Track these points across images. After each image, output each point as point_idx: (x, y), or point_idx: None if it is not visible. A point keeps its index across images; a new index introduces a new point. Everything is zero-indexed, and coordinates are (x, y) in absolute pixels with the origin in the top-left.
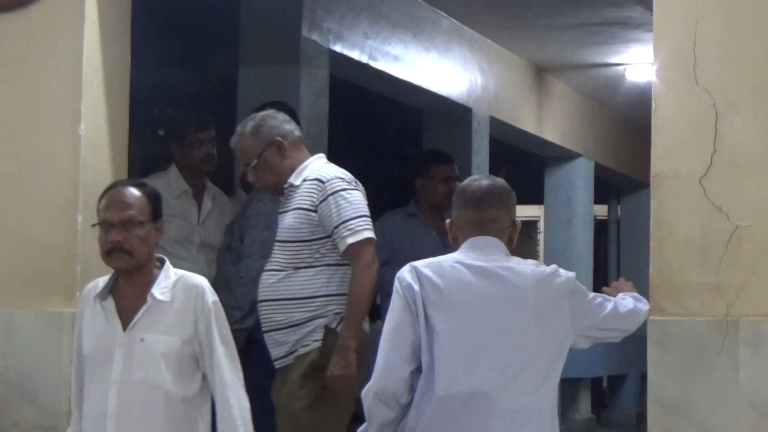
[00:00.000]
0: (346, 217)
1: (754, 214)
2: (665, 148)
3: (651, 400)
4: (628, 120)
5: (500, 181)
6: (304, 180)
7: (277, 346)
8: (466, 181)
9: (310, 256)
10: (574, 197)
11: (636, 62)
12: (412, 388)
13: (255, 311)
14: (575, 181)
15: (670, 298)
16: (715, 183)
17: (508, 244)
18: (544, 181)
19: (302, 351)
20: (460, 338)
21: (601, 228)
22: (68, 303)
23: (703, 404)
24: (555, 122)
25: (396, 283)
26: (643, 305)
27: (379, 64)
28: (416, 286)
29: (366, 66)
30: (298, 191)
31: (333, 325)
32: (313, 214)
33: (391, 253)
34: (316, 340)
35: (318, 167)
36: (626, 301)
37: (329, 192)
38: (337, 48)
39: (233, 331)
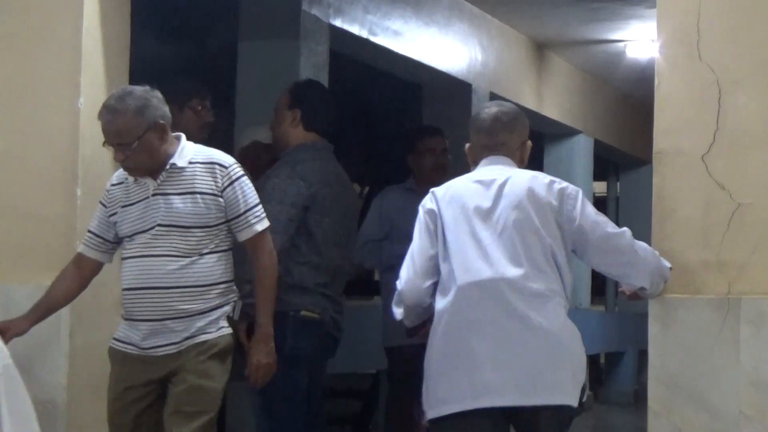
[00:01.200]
0: (252, 204)
1: (757, 191)
2: (668, 125)
3: (652, 377)
4: (628, 97)
5: (508, 106)
6: (192, 162)
7: (167, 333)
8: (479, 109)
9: (212, 241)
10: (573, 174)
11: (636, 39)
12: (432, 296)
13: None
14: (575, 158)
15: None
16: (718, 160)
17: (519, 163)
18: (544, 158)
19: (202, 338)
20: (469, 236)
21: (600, 205)
22: None
23: (703, 382)
24: (555, 99)
25: (419, 209)
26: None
27: (379, 39)
28: (433, 206)
29: (366, 41)
30: (187, 173)
31: (230, 313)
32: (220, 198)
33: (389, 229)
34: (222, 328)
35: (201, 149)
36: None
37: (234, 177)
38: (337, 23)
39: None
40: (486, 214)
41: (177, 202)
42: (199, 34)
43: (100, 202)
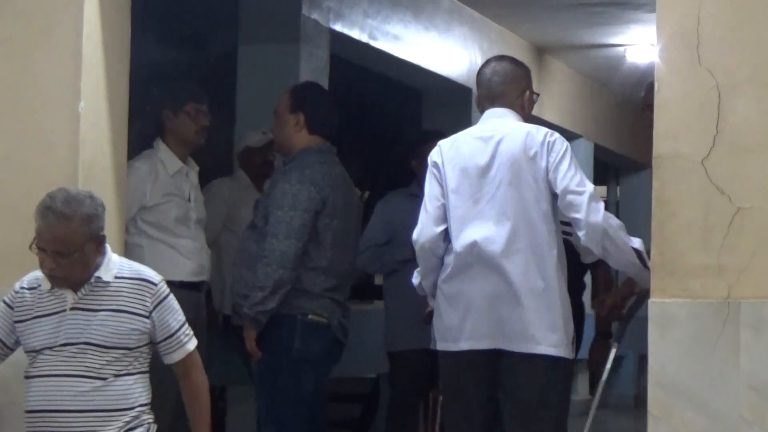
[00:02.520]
0: (181, 322)
1: (757, 195)
2: (667, 130)
3: (651, 381)
4: (628, 101)
5: (508, 58)
6: (118, 277)
7: None
8: (483, 64)
9: (130, 363)
10: None
11: (636, 43)
12: (446, 242)
13: (277, 292)
14: None
15: (671, 280)
16: (718, 164)
17: (521, 111)
18: None
19: None
20: (465, 198)
21: None
22: None
23: (703, 386)
24: (555, 103)
25: (429, 161)
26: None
27: (379, 44)
28: (438, 159)
29: (366, 45)
30: (112, 289)
31: None
32: (147, 320)
33: (392, 234)
34: None
35: (126, 262)
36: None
37: (162, 296)
38: (337, 27)
39: (257, 314)
40: (483, 172)
41: (98, 319)
42: (199, 38)
43: (4, 301)
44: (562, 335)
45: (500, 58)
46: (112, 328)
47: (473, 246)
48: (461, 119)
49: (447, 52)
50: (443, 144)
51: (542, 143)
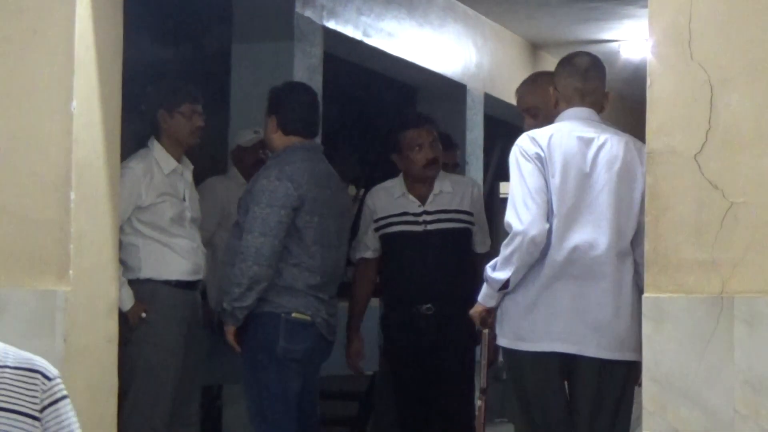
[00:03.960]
0: (77, 428)
1: (750, 190)
2: (660, 125)
3: (646, 377)
4: (622, 96)
5: (596, 57)
6: (1, 366)
7: None
8: (570, 54)
9: None
10: None
11: (630, 38)
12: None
13: (253, 288)
14: None
15: (665, 275)
16: (711, 160)
17: (600, 111)
18: None
19: None
20: (567, 200)
21: None
22: (61, 281)
23: (698, 381)
24: None
25: (520, 151)
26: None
27: (373, 41)
28: (540, 152)
29: (360, 43)
30: None
31: None
32: (36, 422)
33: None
34: None
35: (12, 350)
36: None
37: (58, 395)
38: (331, 24)
39: (233, 309)
40: (585, 175)
41: None
42: (193, 36)
43: None
44: (635, 337)
45: (590, 53)
46: None
47: (574, 250)
48: (456, 116)
49: (441, 49)
50: (539, 137)
51: (640, 152)
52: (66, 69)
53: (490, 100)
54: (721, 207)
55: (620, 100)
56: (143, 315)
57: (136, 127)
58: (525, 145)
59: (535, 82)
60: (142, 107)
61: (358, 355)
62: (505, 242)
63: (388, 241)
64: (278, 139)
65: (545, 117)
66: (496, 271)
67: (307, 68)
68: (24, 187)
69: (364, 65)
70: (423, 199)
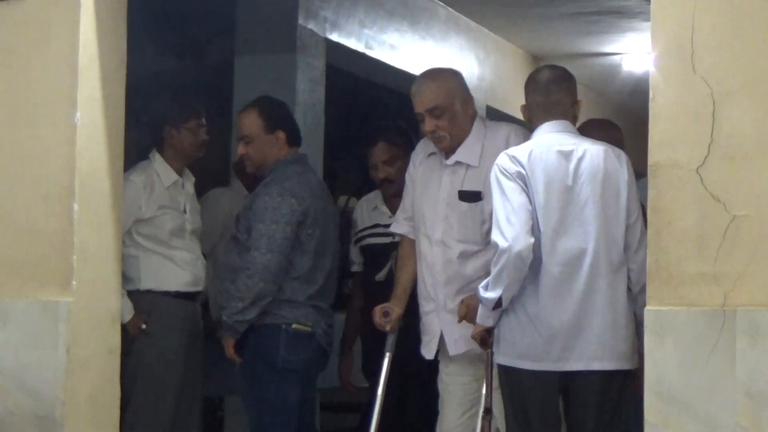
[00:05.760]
0: None
1: (752, 203)
2: (663, 138)
3: (647, 389)
4: (624, 109)
5: (561, 68)
6: None
7: None
8: (535, 69)
9: None
10: None
11: (632, 51)
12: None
13: (257, 303)
14: None
15: (667, 288)
16: (713, 173)
17: (573, 121)
18: None
19: None
20: (552, 215)
21: None
22: (64, 292)
23: (700, 394)
24: None
25: (500, 169)
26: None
27: (376, 53)
28: (522, 170)
29: (362, 55)
30: None
31: None
32: None
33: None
34: None
35: None
36: None
37: None
38: (334, 37)
39: (234, 323)
40: (568, 189)
41: None
42: (196, 48)
43: None
44: (631, 345)
45: (554, 66)
46: None
47: (566, 264)
48: None
49: (443, 62)
50: (518, 155)
51: (619, 159)
52: (70, 80)
53: (492, 113)
54: (723, 220)
55: (623, 114)
56: (143, 326)
57: (140, 138)
58: (505, 164)
59: (436, 79)
60: (143, 119)
61: (349, 372)
62: (493, 261)
63: (363, 254)
64: (280, 154)
65: (451, 119)
66: (488, 291)
67: (309, 80)
68: (27, 198)
69: (367, 78)
70: (395, 211)
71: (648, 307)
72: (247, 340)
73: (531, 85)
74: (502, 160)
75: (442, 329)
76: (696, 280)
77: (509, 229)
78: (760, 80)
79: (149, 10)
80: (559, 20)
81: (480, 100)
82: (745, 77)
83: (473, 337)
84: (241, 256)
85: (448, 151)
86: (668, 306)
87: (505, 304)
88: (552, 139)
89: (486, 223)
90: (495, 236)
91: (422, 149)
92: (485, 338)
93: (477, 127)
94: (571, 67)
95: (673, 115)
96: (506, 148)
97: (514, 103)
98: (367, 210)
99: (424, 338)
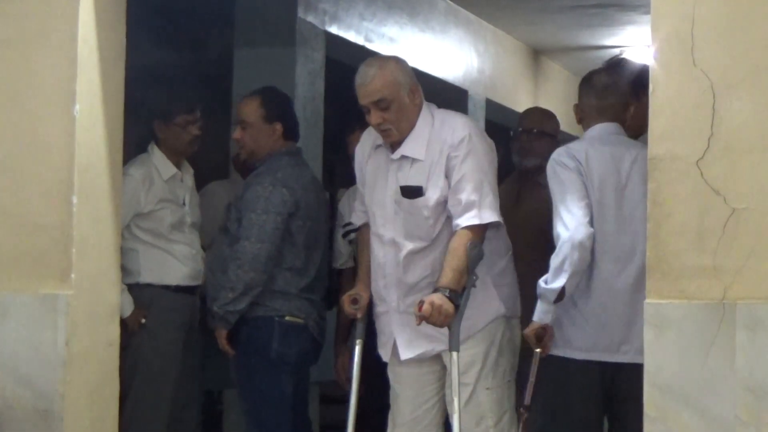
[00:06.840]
0: None
1: (752, 197)
2: (662, 131)
3: (647, 383)
4: None
5: (616, 74)
6: None
7: None
8: (591, 72)
9: None
10: None
11: (632, 45)
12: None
13: (247, 293)
14: None
15: (666, 282)
16: (713, 166)
17: (623, 124)
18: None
19: None
20: (607, 213)
21: None
22: (63, 285)
23: (699, 387)
24: (551, 104)
25: (559, 163)
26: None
27: (375, 46)
28: (580, 167)
29: (362, 47)
30: None
31: None
32: None
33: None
34: None
35: None
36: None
37: None
38: (333, 29)
39: (225, 313)
40: (621, 190)
41: None
42: (195, 41)
43: None
44: None
45: (609, 70)
46: None
47: (617, 261)
48: None
49: (443, 55)
50: (575, 151)
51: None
52: (69, 73)
53: (491, 106)
54: (723, 213)
55: None
56: (143, 321)
57: (139, 131)
58: (564, 159)
59: (382, 68)
60: (142, 111)
61: (344, 369)
62: (554, 254)
63: (352, 246)
64: (275, 146)
65: (398, 111)
66: (551, 283)
67: (309, 73)
68: (26, 191)
69: None
70: None
71: (648, 301)
72: (240, 332)
73: (586, 87)
74: (560, 154)
75: (393, 330)
76: (696, 274)
77: (570, 218)
78: (760, 73)
79: (148, 3)
80: (559, 13)
81: (479, 93)
82: (745, 70)
83: (527, 335)
84: (230, 246)
85: (395, 145)
86: (668, 299)
87: (568, 293)
88: (605, 141)
89: (431, 218)
90: (557, 227)
91: (368, 141)
92: (540, 335)
93: (424, 116)
94: (570, 60)
95: (673, 108)
96: (454, 141)
97: (513, 96)
98: (352, 201)
99: (380, 339)
